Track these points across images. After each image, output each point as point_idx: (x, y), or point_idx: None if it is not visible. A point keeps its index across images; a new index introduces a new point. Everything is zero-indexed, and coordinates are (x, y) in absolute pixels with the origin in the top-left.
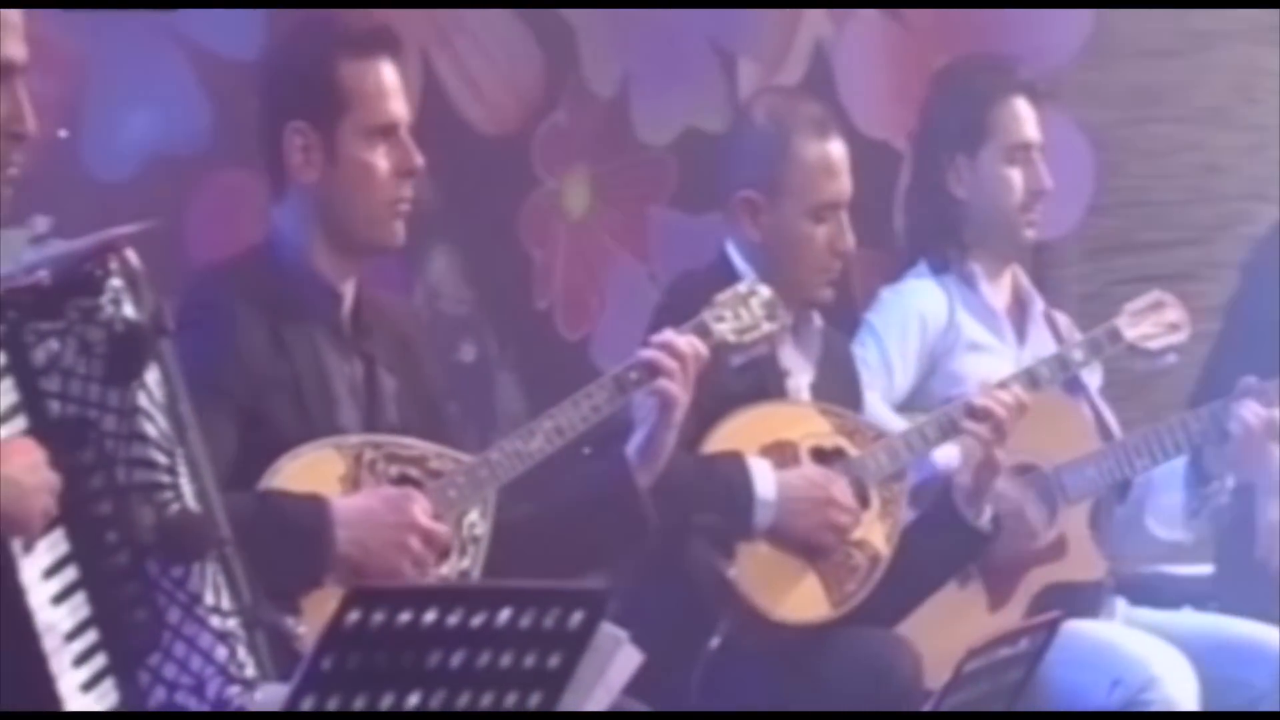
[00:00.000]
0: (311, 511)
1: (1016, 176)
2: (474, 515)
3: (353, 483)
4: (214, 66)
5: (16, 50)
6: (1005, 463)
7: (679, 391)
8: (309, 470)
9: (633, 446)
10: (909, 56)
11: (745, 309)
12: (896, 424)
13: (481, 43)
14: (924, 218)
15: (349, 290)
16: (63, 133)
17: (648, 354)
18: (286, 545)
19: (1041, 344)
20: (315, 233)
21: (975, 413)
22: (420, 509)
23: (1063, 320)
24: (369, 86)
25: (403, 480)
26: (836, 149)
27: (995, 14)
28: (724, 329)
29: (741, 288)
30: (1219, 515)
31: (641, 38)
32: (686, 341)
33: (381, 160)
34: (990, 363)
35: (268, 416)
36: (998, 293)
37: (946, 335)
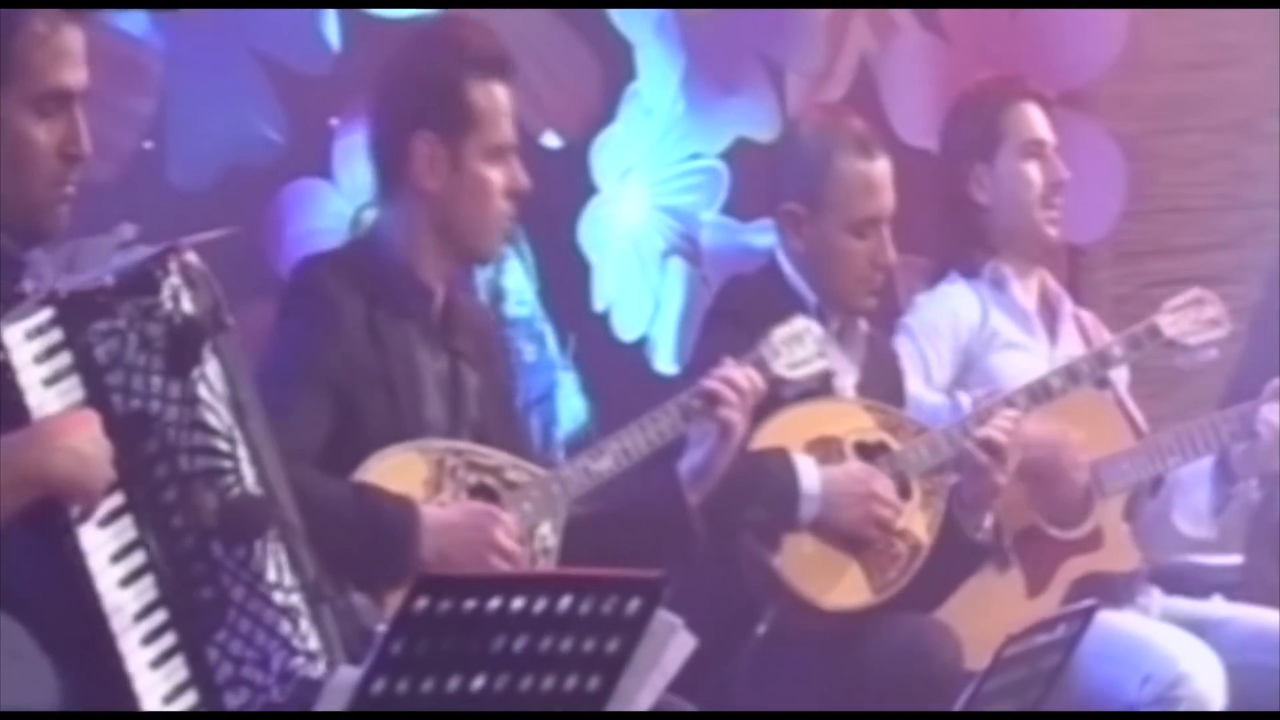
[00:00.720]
0: (402, 514)
1: (1034, 170)
2: (545, 528)
3: (435, 487)
4: (289, 81)
5: (74, 78)
6: (1005, 484)
7: (739, 420)
8: (395, 472)
9: (686, 465)
10: (948, 68)
11: (800, 345)
12: (938, 402)
13: (542, 57)
14: (950, 229)
15: (441, 291)
16: (148, 144)
17: (710, 385)
18: (376, 540)
19: (1072, 343)
20: (424, 236)
21: (976, 440)
22: (504, 532)
23: (1089, 319)
24: (493, 107)
25: (480, 489)
26: (879, 167)
27: (1031, 27)
28: (780, 364)
29: (798, 325)
30: (1249, 506)
31: (695, 52)
32: (744, 375)
33: (498, 177)
34: (1025, 360)
35: (360, 404)
36: (1028, 294)
37: (981, 333)
